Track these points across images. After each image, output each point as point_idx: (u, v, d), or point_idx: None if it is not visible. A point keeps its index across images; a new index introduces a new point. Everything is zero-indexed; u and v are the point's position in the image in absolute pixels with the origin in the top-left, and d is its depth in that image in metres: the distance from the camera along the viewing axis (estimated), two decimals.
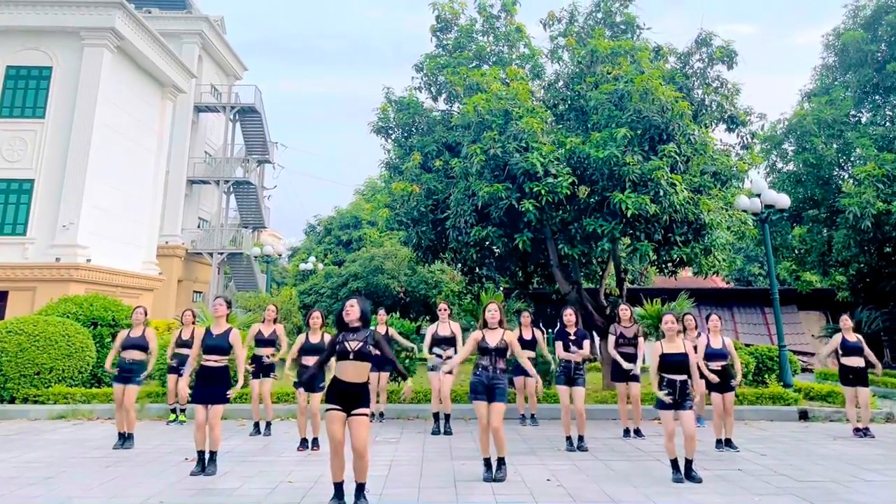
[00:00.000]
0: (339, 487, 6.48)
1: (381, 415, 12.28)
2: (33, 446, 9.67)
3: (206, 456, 8.00)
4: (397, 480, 7.69)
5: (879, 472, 8.43)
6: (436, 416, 11.13)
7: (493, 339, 7.96)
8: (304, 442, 9.62)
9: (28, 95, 24.81)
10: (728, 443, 9.81)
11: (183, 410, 12.11)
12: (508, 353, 8.08)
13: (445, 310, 11.49)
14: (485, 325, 8.10)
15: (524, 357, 8.33)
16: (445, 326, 11.26)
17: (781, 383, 14.56)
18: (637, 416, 10.99)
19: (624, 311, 11.24)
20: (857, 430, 11.16)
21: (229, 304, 8.65)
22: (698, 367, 8.93)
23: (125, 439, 9.63)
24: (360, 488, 6.46)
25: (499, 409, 7.77)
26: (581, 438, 9.76)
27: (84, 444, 9.82)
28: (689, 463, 7.83)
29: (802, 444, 10.36)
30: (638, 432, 10.84)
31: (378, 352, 6.61)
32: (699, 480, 7.68)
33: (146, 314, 10.37)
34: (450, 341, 11.17)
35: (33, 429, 11.22)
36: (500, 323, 8.08)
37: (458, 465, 8.51)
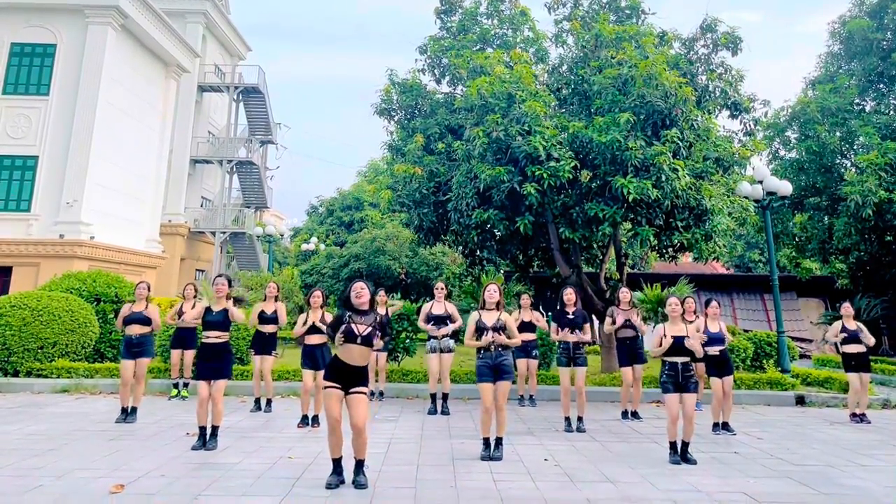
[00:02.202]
0: (337, 463, 6.57)
1: (381, 394, 12.37)
2: (36, 419, 9.76)
3: (208, 431, 8.10)
4: (396, 458, 7.78)
5: (875, 457, 8.51)
6: (433, 396, 11.20)
7: (489, 319, 8.02)
8: (304, 418, 9.70)
9: (32, 73, 24.83)
10: (725, 426, 9.89)
11: (186, 385, 12.21)
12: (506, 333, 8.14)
13: (442, 289, 11.53)
14: (483, 305, 8.17)
15: (518, 339, 8.36)
16: (440, 305, 11.29)
17: (779, 369, 14.64)
18: (636, 399, 11.07)
19: (624, 294, 11.34)
20: (853, 415, 11.25)
21: (230, 283, 8.72)
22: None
23: (128, 413, 9.72)
24: (360, 465, 6.55)
25: (505, 388, 7.85)
26: (580, 419, 9.84)
27: (87, 418, 9.91)
28: (685, 445, 7.92)
29: (799, 428, 10.45)
30: (636, 415, 10.93)
31: (380, 334, 6.70)
32: (694, 462, 7.76)
33: (149, 289, 10.43)
34: (444, 320, 11.20)
35: (37, 402, 11.31)
36: (498, 305, 8.14)
37: (456, 445, 8.59)
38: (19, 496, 6.01)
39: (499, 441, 7.90)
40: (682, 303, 10.02)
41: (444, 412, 10.95)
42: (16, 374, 12.95)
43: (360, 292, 6.72)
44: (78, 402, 11.52)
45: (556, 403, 11.65)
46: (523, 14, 17.02)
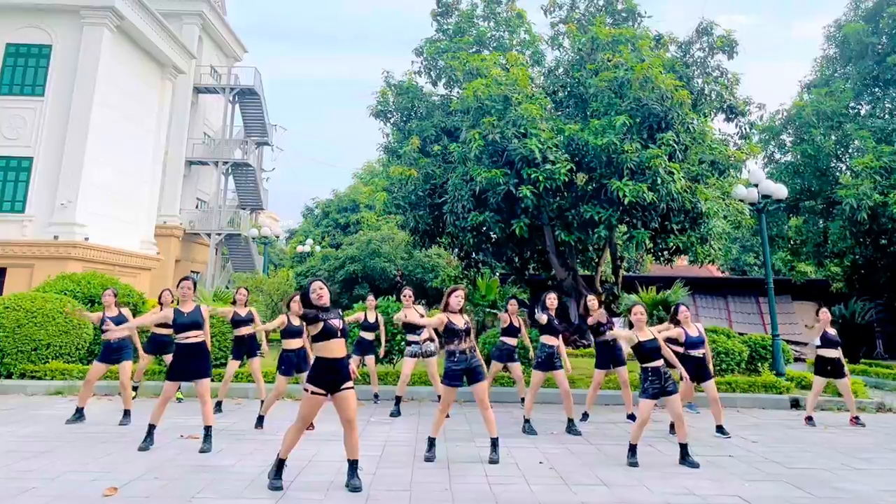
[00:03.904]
0: (282, 465, 6.60)
1: (376, 396, 12.34)
2: (30, 421, 9.72)
3: (202, 432, 8.11)
4: (390, 460, 7.76)
5: (869, 460, 8.52)
6: (397, 399, 11.14)
7: (459, 321, 7.98)
8: (260, 419, 9.72)
9: (28, 73, 24.81)
10: (720, 429, 9.89)
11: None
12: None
13: (409, 296, 11.51)
14: (446, 307, 8.10)
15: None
16: (412, 312, 11.27)
17: (774, 372, 14.66)
18: (629, 401, 11.07)
19: (591, 301, 11.32)
20: (809, 418, 11.20)
21: (195, 286, 8.80)
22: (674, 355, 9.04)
23: (82, 413, 9.79)
24: (353, 466, 6.54)
25: (483, 388, 7.83)
26: (571, 421, 9.81)
27: (80, 420, 9.87)
28: (683, 448, 7.93)
29: (793, 431, 10.45)
30: (632, 417, 10.91)
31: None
32: (696, 466, 7.76)
33: (116, 295, 10.39)
34: (420, 326, 11.18)
35: (30, 404, 11.27)
36: (461, 311, 8.10)
37: (451, 447, 8.58)
38: (12, 499, 5.99)
39: (494, 443, 7.88)
40: (677, 311, 10.05)
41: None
42: (9, 375, 12.90)
43: (321, 293, 6.60)
44: (72, 403, 11.41)
45: (548, 406, 11.68)
46: (519, 17, 17.07)
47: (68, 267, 22.12)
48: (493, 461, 7.73)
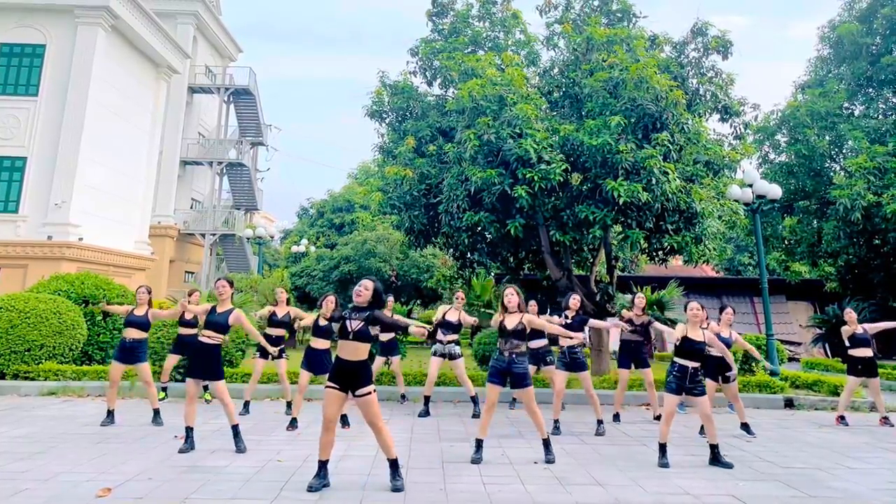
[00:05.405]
0: (323, 465, 6.58)
1: (403, 396, 12.35)
2: (23, 422, 9.68)
3: (230, 430, 8.16)
4: (386, 461, 7.75)
5: (863, 459, 8.55)
6: (426, 398, 11.16)
7: (511, 322, 7.95)
8: (293, 421, 9.67)
9: (21, 73, 24.67)
10: (745, 427, 10.03)
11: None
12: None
13: (462, 299, 11.60)
14: (504, 310, 8.07)
15: (556, 328, 8.39)
16: (455, 313, 11.28)
17: (768, 371, 14.68)
18: (654, 401, 11.14)
19: (640, 299, 11.33)
20: (841, 417, 11.26)
21: (231, 285, 8.64)
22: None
23: (113, 416, 9.68)
24: (393, 465, 6.68)
25: (528, 393, 7.85)
26: (600, 422, 9.89)
27: (74, 421, 9.84)
28: (714, 448, 7.96)
29: (788, 431, 10.48)
30: (660, 418, 10.90)
31: (377, 330, 6.68)
32: (730, 466, 7.82)
33: (150, 293, 10.32)
34: (455, 328, 11.18)
35: (23, 405, 11.22)
36: (519, 307, 8.06)
37: (445, 447, 8.58)
38: (5, 500, 5.96)
39: (546, 442, 7.98)
40: (722, 311, 10.15)
41: (475, 416, 10.90)
42: (2, 376, 12.85)
43: (360, 290, 6.66)
44: (65, 404, 11.45)
45: (547, 407, 11.65)
46: (515, 17, 17.01)
47: (62, 267, 22.04)
48: (549, 461, 7.82)
